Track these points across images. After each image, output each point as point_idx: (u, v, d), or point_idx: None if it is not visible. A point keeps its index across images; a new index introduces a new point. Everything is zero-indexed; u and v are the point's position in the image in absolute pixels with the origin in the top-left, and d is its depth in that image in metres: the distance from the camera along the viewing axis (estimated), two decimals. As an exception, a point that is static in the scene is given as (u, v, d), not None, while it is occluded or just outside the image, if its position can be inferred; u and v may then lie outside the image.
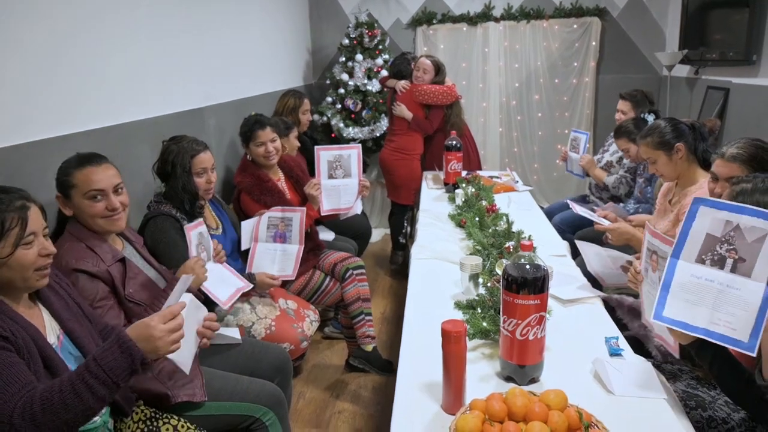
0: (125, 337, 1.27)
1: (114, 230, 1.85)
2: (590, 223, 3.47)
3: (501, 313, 1.51)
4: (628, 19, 5.24)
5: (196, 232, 2.13)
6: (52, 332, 1.44)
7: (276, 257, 2.60)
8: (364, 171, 4.47)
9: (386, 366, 2.94)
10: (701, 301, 1.39)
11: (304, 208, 2.65)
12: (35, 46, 1.97)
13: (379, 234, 5.21)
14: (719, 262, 1.36)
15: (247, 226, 2.60)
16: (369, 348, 2.89)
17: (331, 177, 2.89)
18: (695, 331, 1.37)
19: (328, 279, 2.88)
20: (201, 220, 2.22)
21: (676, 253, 1.43)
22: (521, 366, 1.51)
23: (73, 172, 1.77)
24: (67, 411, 1.20)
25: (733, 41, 3.90)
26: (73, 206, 1.78)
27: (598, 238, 3.24)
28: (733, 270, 1.35)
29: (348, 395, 2.90)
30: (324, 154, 2.89)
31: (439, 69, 4.07)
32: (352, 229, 3.69)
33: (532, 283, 1.44)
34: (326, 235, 3.46)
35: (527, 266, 1.46)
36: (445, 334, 1.38)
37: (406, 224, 4.42)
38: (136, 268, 1.86)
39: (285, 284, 2.69)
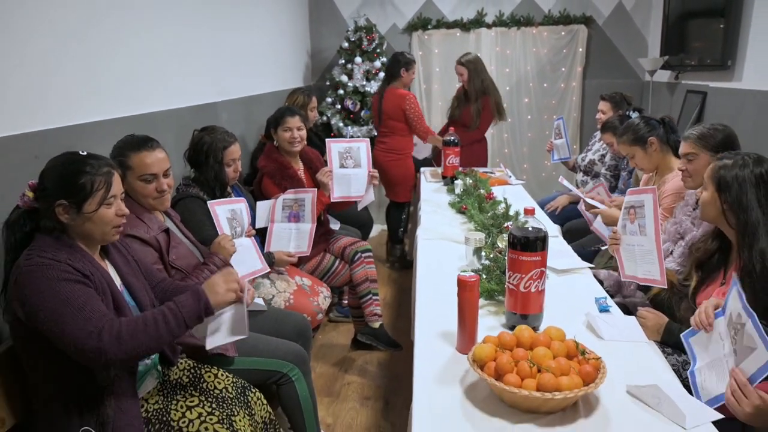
0: (200, 288, 1.57)
1: (161, 209, 2.07)
2: (577, 216, 3.77)
3: (507, 270, 1.74)
4: (613, 26, 5.54)
5: (225, 208, 2.33)
6: (115, 283, 1.64)
7: (291, 236, 2.82)
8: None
9: (392, 342, 3.16)
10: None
11: (315, 189, 2.89)
12: (75, 36, 2.18)
13: (375, 230, 5.42)
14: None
15: (262, 206, 2.82)
16: (376, 325, 3.10)
17: (342, 167, 3.11)
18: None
19: (337, 261, 3.10)
20: (240, 198, 2.45)
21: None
22: (524, 316, 1.74)
23: (129, 154, 1.97)
24: (145, 334, 1.45)
25: (710, 48, 4.19)
26: (126, 184, 1.97)
27: (584, 229, 3.52)
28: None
29: (356, 369, 3.12)
30: (335, 146, 3.11)
31: (468, 68, 4.34)
32: (356, 220, 3.92)
33: (533, 242, 1.67)
34: (333, 224, 3.67)
35: (529, 228, 1.69)
36: (461, 283, 1.61)
37: (404, 219, 4.63)
38: (177, 238, 2.08)
39: (299, 263, 2.90)
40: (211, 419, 1.64)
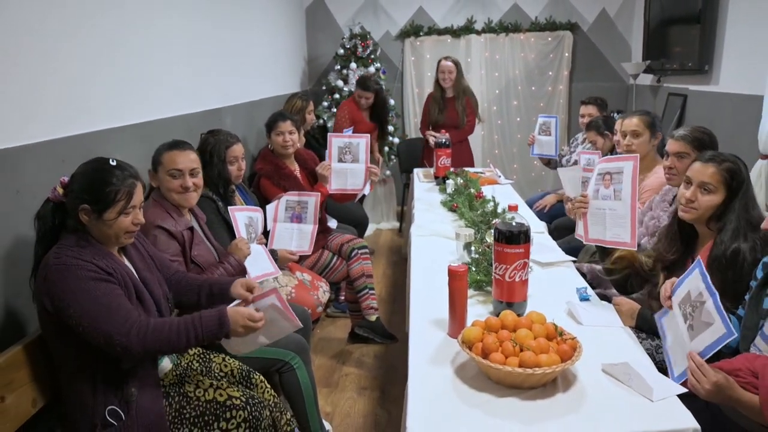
0: (226, 316, 1.68)
1: (185, 205, 2.23)
2: (563, 214, 3.95)
3: (493, 261, 1.90)
4: (597, 32, 5.75)
5: (243, 215, 2.52)
6: (136, 276, 1.79)
7: (293, 235, 2.97)
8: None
9: (388, 334, 3.31)
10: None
11: (318, 193, 3.04)
12: (97, 49, 2.33)
13: (370, 228, 5.59)
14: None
15: (270, 208, 2.98)
16: (373, 318, 3.26)
17: (340, 161, 3.29)
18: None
19: (335, 258, 3.26)
20: (257, 207, 2.67)
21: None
22: (510, 304, 1.90)
23: (163, 152, 2.19)
24: (167, 342, 1.63)
25: (689, 53, 4.38)
26: (158, 179, 2.18)
27: (571, 227, 3.68)
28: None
29: (353, 362, 3.27)
30: (336, 141, 3.31)
31: (457, 68, 4.60)
32: (352, 218, 4.09)
33: (517, 236, 1.84)
34: (330, 223, 3.83)
35: (513, 223, 1.86)
36: (451, 273, 1.77)
37: None
38: (199, 237, 2.26)
39: (300, 260, 3.06)
40: (221, 385, 1.84)
